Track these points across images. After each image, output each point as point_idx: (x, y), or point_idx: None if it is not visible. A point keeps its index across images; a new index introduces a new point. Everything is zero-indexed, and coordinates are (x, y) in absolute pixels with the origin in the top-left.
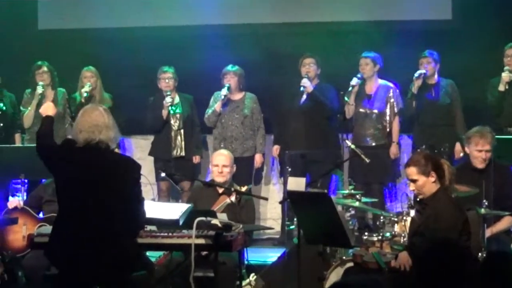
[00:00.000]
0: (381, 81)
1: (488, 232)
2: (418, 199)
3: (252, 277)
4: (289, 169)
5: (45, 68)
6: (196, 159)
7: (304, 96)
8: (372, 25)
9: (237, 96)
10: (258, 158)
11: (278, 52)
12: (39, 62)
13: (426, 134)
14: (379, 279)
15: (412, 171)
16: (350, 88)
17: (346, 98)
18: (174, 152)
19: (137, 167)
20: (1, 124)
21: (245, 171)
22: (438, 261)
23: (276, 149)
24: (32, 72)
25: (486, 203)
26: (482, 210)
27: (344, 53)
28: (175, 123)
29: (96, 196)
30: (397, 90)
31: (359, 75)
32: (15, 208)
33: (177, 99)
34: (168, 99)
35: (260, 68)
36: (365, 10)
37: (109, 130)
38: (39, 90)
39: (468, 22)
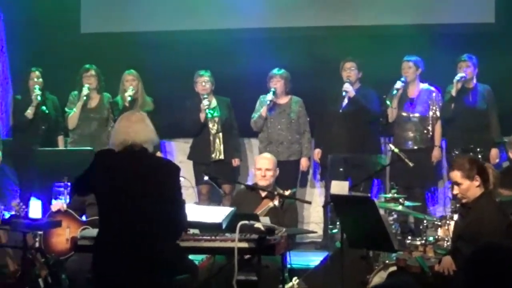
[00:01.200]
0: (423, 85)
1: None
2: (461, 203)
3: (295, 280)
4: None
5: (93, 72)
6: (235, 162)
7: (346, 100)
8: (413, 28)
9: (283, 100)
10: (304, 162)
11: (321, 55)
12: (87, 66)
13: (461, 138)
14: (411, 281)
15: (456, 175)
16: (394, 92)
17: (388, 102)
18: (213, 156)
19: (175, 169)
20: (44, 127)
21: (291, 174)
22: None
23: (317, 152)
24: (80, 75)
25: None
26: None
27: (386, 56)
28: (213, 127)
29: (134, 201)
30: (439, 94)
31: (402, 79)
32: (59, 211)
33: (214, 102)
34: (205, 102)
35: (302, 71)
36: (407, 13)
37: (146, 134)
38: (85, 91)
39: (511, 26)
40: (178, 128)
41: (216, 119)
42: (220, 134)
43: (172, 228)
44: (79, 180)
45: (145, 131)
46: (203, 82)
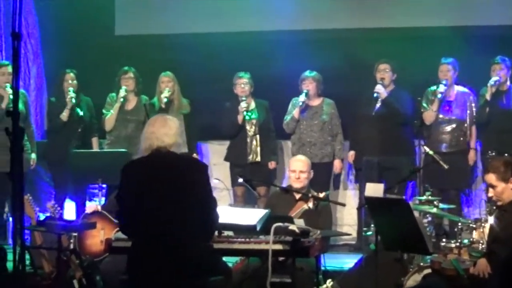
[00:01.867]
0: (458, 87)
1: None
2: (497, 206)
3: (329, 282)
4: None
5: (131, 74)
6: (271, 164)
7: (379, 103)
8: (447, 30)
9: (316, 102)
10: (337, 164)
11: (354, 57)
12: (126, 68)
13: (496, 140)
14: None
15: (491, 178)
16: (438, 95)
17: (424, 104)
18: (250, 157)
19: (203, 167)
20: (79, 129)
21: (324, 177)
22: None
23: (351, 155)
24: (118, 77)
25: None
26: None
27: (420, 58)
28: (250, 129)
29: (165, 203)
30: (475, 97)
31: (444, 82)
32: (93, 213)
33: (252, 104)
34: (243, 104)
35: (337, 73)
36: (441, 15)
37: (170, 138)
38: (122, 93)
39: None
40: (213, 130)
41: (254, 121)
42: (257, 136)
43: (204, 229)
44: (120, 204)
45: (169, 135)
46: (242, 84)
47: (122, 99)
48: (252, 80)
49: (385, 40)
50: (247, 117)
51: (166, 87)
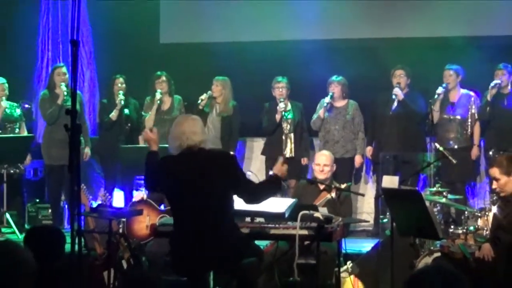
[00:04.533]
0: (463, 90)
1: None
2: (500, 196)
3: (349, 264)
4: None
5: (164, 78)
6: (304, 160)
7: (395, 103)
8: (458, 40)
9: (341, 103)
10: (358, 159)
11: (377, 63)
12: (159, 72)
13: (497, 138)
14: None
15: (495, 171)
16: (436, 96)
17: (431, 106)
18: (285, 153)
19: (231, 156)
20: (127, 128)
21: (346, 170)
22: None
23: (369, 150)
24: (152, 81)
25: None
26: None
27: (432, 64)
28: (286, 127)
29: (200, 195)
30: (478, 99)
31: (444, 85)
32: (140, 201)
33: (289, 106)
34: (281, 105)
35: (361, 77)
36: (453, 26)
37: (197, 136)
38: (158, 96)
39: None
40: (247, 128)
41: (290, 120)
42: (292, 135)
43: (251, 196)
44: (148, 179)
45: (197, 133)
46: (280, 87)
47: (158, 102)
48: (289, 84)
49: (400, 48)
50: (284, 117)
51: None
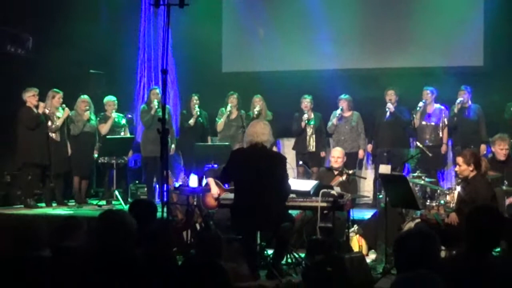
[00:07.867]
0: (437, 105)
1: (508, 201)
2: (461, 178)
3: (355, 227)
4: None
5: (234, 96)
6: (322, 154)
7: (388, 114)
8: (432, 69)
9: (348, 113)
10: (361, 153)
11: (373, 86)
12: (232, 92)
13: (462, 138)
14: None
15: (460, 160)
16: (417, 108)
17: (414, 115)
18: (308, 148)
19: (283, 158)
20: (200, 131)
21: (353, 161)
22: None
23: (369, 147)
24: (227, 97)
25: (507, 183)
26: (504, 187)
27: (412, 87)
28: (309, 131)
29: (258, 178)
30: (447, 111)
31: (423, 101)
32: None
33: (312, 115)
34: (305, 116)
35: (363, 96)
36: (428, 58)
37: (264, 136)
38: (228, 108)
39: (497, 67)
40: (282, 131)
41: (312, 126)
42: (314, 136)
43: (281, 194)
44: (224, 173)
45: (263, 134)
46: (306, 102)
47: (228, 112)
48: (312, 100)
49: (392, 75)
50: (308, 123)
51: (258, 104)
